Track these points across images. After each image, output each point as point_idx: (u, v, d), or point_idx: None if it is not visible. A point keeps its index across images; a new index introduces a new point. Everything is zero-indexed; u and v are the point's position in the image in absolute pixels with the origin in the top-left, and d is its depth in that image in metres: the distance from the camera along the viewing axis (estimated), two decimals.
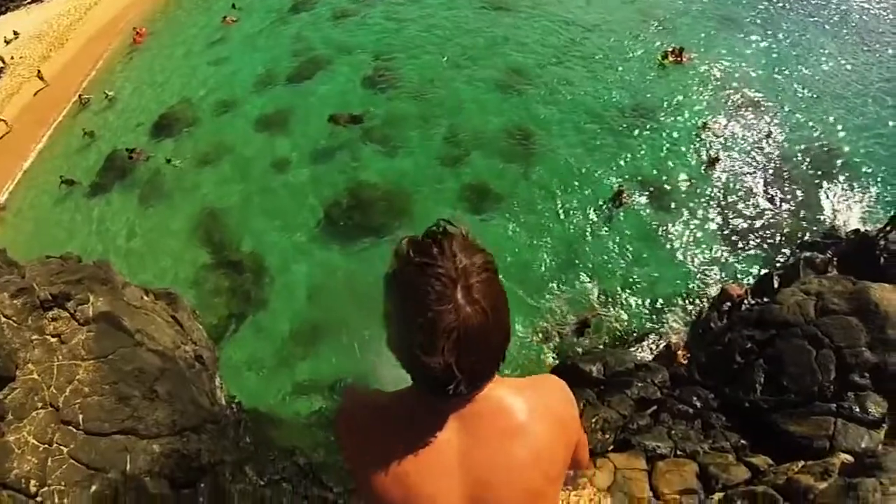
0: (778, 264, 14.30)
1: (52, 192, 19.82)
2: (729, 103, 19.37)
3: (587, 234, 15.71)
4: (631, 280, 14.56)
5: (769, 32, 22.77)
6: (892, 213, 13.74)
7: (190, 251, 16.40)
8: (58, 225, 18.67)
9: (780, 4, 24.51)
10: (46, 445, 6.66)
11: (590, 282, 14.51)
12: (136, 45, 26.69)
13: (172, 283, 13.94)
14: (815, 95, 19.80)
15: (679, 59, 20.80)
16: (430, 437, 1.32)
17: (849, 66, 21.21)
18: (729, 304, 12.94)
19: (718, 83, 20.15)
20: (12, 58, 27.52)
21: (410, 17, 24.61)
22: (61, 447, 6.75)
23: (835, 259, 12.21)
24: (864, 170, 17.13)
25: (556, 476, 1.42)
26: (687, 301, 14.25)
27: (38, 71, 25.53)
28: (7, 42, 28.80)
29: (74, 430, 6.96)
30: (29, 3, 33.35)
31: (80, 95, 24.10)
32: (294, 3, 26.70)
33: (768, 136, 18.13)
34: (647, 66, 21.03)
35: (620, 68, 20.95)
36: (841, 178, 16.93)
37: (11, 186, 20.95)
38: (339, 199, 16.87)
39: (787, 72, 20.84)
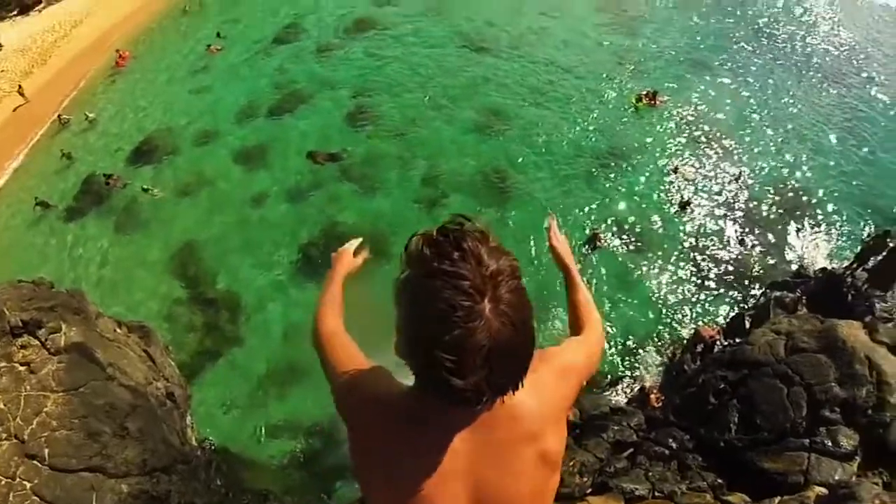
0: (749, 305, 14.62)
1: (25, 214, 19.40)
2: (700, 146, 20.00)
3: (561, 277, 15.80)
4: (605, 323, 14.66)
5: (738, 76, 23.68)
6: (857, 249, 14.23)
7: (164, 284, 16.17)
8: (30, 248, 18.27)
9: (749, 48, 25.56)
10: (9, 479, 6.44)
11: (563, 325, 14.59)
12: (119, 67, 26.43)
13: (145, 316, 13.64)
14: (782, 137, 20.56)
15: (652, 101, 21.45)
16: (439, 441, 1.25)
17: (813, 108, 22.14)
18: (702, 345, 13.15)
19: (690, 126, 20.81)
20: None
21: (393, 54, 24.92)
22: (24, 482, 6.53)
23: (804, 298, 12.56)
24: (829, 208, 17.77)
25: (559, 464, 1.38)
26: (660, 343, 14.47)
27: (19, 86, 24.88)
28: None
29: (39, 464, 6.75)
30: (14, 15, 32.36)
31: (59, 115, 23.61)
32: (278, 35, 26.89)
33: (738, 177, 18.75)
34: (622, 108, 21.63)
35: (596, 111, 21.48)
36: (808, 217, 17.53)
37: None
38: (316, 237, 16.79)
39: (755, 114, 21.64)
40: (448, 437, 1.25)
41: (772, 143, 20.29)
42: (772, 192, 18.32)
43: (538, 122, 20.89)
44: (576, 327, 1.88)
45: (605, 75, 23.28)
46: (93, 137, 22.56)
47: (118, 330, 10.04)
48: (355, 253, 2.13)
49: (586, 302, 1.95)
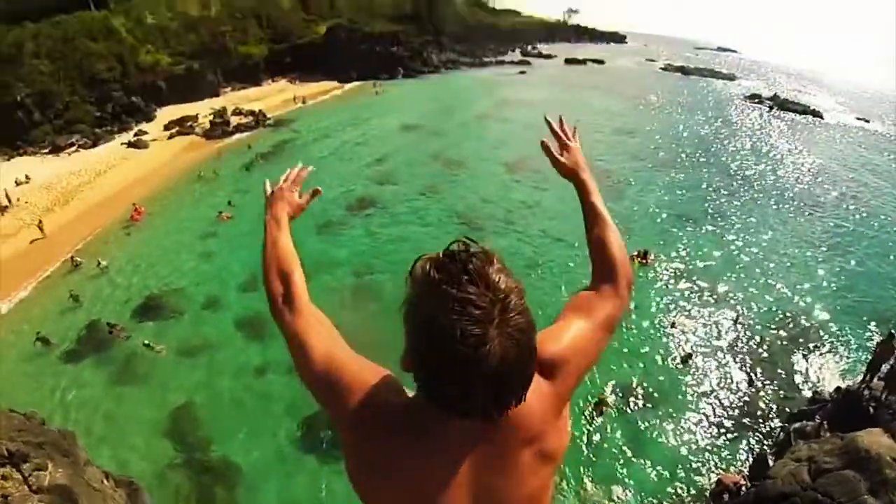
0: (770, 442, 13.97)
1: (24, 346, 18.93)
2: (695, 296, 20.51)
3: (572, 445, 15.02)
4: (622, 486, 13.84)
5: (720, 221, 24.92)
6: (867, 361, 13.98)
7: (157, 444, 15.24)
8: (22, 382, 17.46)
9: (726, 192, 27.14)
10: None
11: (579, 491, 13.68)
12: (134, 221, 27.61)
13: (134, 475, 12.68)
14: (771, 270, 21.19)
15: (644, 261, 22.38)
16: (442, 451, 1.23)
17: (795, 235, 22.92)
18: (727, 494, 12.44)
19: (682, 278, 21.51)
20: (18, 199, 28.29)
21: (392, 234, 26.00)
22: None
23: (825, 423, 12.11)
24: (832, 328, 17.81)
25: (558, 458, 1.34)
26: (681, 501, 13.54)
27: (39, 221, 25.93)
28: (17, 184, 29.74)
29: None
30: (46, 152, 35.14)
31: (72, 256, 24.12)
32: None
33: (736, 319, 19.02)
34: None
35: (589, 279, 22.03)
36: (813, 341, 17.59)
37: None
38: (318, 414, 16.17)
39: (742, 255, 22.49)
40: (450, 447, 1.23)
41: (763, 279, 20.84)
42: (772, 325, 18.45)
43: (534, 296, 21.10)
44: (596, 272, 1.73)
45: None
46: (102, 284, 22.80)
47: (105, 482, 9.50)
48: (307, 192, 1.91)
49: (606, 239, 1.74)
